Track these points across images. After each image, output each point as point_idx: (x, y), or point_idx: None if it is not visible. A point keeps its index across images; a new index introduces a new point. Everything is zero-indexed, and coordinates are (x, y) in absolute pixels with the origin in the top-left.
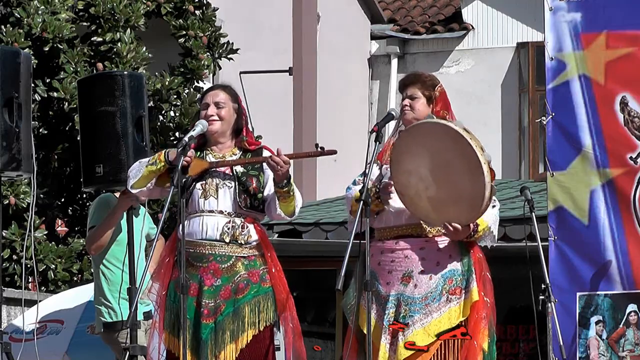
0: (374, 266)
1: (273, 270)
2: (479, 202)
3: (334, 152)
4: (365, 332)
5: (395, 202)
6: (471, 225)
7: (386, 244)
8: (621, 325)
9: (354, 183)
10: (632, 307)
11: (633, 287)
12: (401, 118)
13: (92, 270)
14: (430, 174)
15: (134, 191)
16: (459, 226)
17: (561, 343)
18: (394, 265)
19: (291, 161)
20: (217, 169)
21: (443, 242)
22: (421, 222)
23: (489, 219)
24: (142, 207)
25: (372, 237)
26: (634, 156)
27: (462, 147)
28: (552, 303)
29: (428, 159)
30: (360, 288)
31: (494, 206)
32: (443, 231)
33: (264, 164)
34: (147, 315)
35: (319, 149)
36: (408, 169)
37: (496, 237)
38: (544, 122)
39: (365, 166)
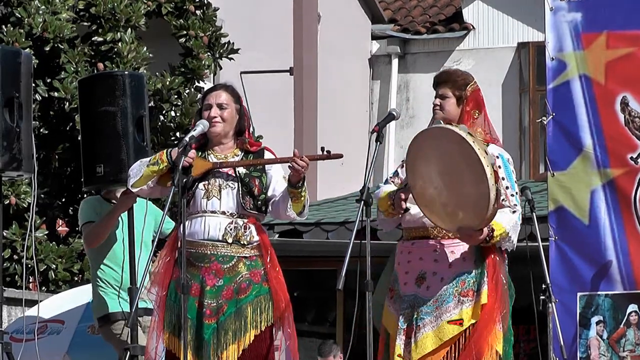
0: (395, 266)
1: (269, 266)
2: (484, 205)
3: (340, 156)
4: (389, 331)
5: (412, 204)
6: (485, 230)
7: (404, 244)
8: (622, 326)
9: (386, 182)
10: (632, 307)
11: (633, 287)
12: (432, 117)
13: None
14: (441, 179)
15: (134, 190)
16: (471, 233)
17: (562, 343)
18: (410, 266)
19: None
20: (220, 170)
21: (457, 244)
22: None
23: (507, 225)
24: (149, 203)
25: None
26: (634, 156)
27: (466, 151)
28: (553, 303)
29: (438, 164)
30: (383, 289)
31: (514, 211)
32: (458, 235)
33: (266, 165)
34: (142, 312)
35: (324, 153)
36: (422, 174)
37: (515, 243)
38: (545, 122)
39: (367, 166)
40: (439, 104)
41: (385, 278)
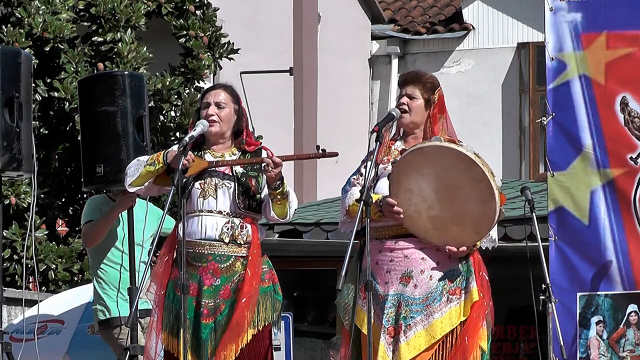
0: (371, 265)
1: (249, 268)
2: (486, 226)
3: (335, 155)
4: (364, 331)
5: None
6: None
7: (385, 243)
8: (621, 326)
9: (349, 183)
10: (632, 307)
11: (633, 288)
12: (397, 120)
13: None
14: (435, 194)
15: (131, 189)
16: (464, 248)
17: (562, 343)
18: (392, 265)
19: (291, 162)
20: (217, 169)
21: None
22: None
23: None
24: (149, 204)
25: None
26: (634, 156)
27: (474, 173)
28: (553, 303)
29: (434, 180)
30: (357, 288)
31: None
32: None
33: (262, 165)
34: (144, 313)
35: (320, 151)
36: (410, 188)
37: (496, 240)
38: (545, 122)
39: (361, 165)
40: (406, 102)
41: (350, 279)
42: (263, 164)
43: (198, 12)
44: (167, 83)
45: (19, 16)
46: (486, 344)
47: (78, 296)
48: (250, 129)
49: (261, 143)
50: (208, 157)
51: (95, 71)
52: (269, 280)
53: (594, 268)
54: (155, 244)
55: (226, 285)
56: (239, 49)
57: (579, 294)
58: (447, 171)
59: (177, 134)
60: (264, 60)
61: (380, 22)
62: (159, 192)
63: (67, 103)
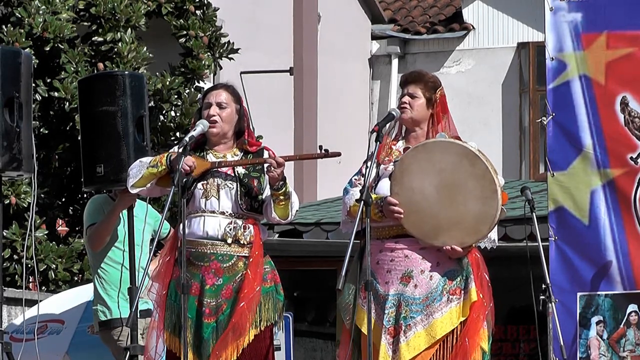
0: (372, 265)
1: (250, 270)
2: (487, 225)
3: (338, 155)
4: (364, 331)
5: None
6: None
7: (385, 243)
8: (622, 326)
9: (351, 184)
10: (632, 307)
11: (633, 288)
12: (399, 117)
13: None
14: (437, 192)
15: (133, 191)
16: (459, 249)
17: (562, 343)
18: (393, 265)
19: (291, 162)
20: (219, 169)
21: None
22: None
23: None
24: (148, 206)
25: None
26: (634, 156)
27: (477, 169)
28: (553, 303)
29: (436, 177)
30: (358, 287)
31: None
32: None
33: (265, 165)
34: (144, 314)
35: (323, 151)
36: (412, 186)
37: (496, 240)
38: (545, 122)
39: (362, 165)
40: (407, 102)
41: (351, 279)
42: (266, 165)
43: (198, 12)
44: (167, 83)
45: (19, 16)
46: (487, 345)
47: (78, 296)
48: (252, 130)
49: (262, 143)
50: (210, 157)
51: (95, 71)
52: (271, 281)
53: (594, 268)
54: (154, 248)
55: (228, 285)
56: (239, 49)
57: (579, 294)
58: (450, 167)
59: (177, 134)
60: (264, 60)
61: (380, 22)
62: (161, 193)
63: (67, 103)
